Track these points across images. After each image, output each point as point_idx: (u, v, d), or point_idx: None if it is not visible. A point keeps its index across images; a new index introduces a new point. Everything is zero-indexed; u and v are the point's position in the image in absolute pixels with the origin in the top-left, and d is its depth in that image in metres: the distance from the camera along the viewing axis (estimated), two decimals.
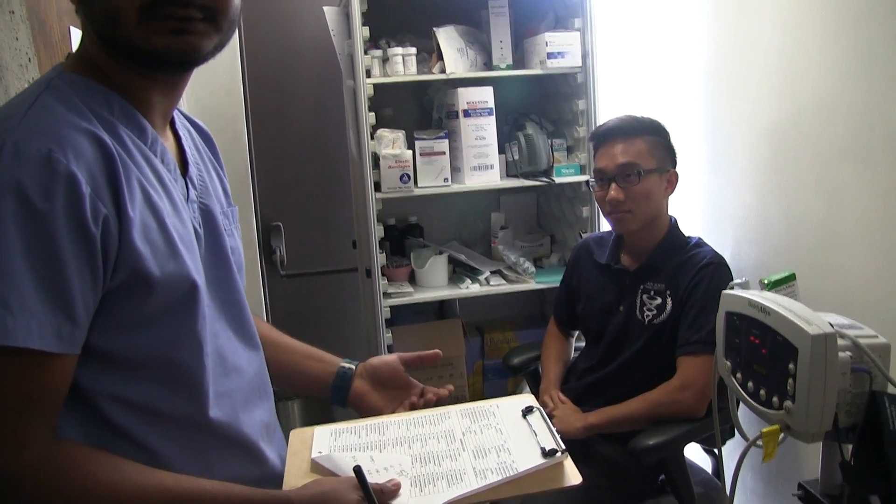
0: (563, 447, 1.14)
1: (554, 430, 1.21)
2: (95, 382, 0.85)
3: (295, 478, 1.06)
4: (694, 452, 2.10)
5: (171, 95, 0.98)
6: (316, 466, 1.09)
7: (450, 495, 1.06)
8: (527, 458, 1.14)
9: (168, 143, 1.00)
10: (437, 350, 1.28)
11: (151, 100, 0.95)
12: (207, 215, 1.02)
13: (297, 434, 1.18)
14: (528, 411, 1.28)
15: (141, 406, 0.88)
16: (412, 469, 1.12)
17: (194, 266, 0.92)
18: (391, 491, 0.99)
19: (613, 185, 1.91)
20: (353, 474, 1.00)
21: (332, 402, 1.26)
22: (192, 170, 1.03)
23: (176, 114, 1.05)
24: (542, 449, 1.16)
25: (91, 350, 0.83)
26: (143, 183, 0.88)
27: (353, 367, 1.26)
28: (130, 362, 0.87)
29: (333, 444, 1.17)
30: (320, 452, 1.12)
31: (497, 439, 1.21)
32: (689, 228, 2.10)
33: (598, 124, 2.41)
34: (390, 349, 2.51)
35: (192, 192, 1.00)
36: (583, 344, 2.20)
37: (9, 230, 0.75)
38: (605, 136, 1.98)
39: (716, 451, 1.70)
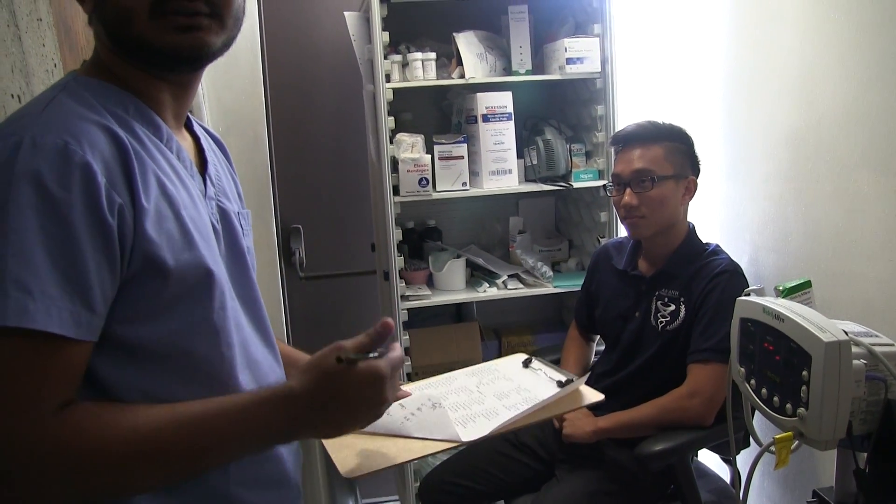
0: (573, 376, 1.27)
1: (559, 368, 1.34)
2: (117, 374, 0.87)
3: (336, 449, 1.12)
4: (712, 461, 2.09)
5: (183, 96, 1.01)
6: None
7: (494, 424, 1.16)
8: (545, 391, 1.25)
9: (185, 142, 1.03)
10: (407, 393, 1.24)
11: (163, 100, 0.98)
12: (224, 213, 1.04)
13: None
14: (527, 362, 1.42)
15: (162, 398, 0.89)
16: (447, 405, 1.22)
17: (210, 256, 0.94)
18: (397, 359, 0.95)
19: (628, 191, 1.93)
20: (393, 430, 1.06)
21: None
22: (211, 168, 1.05)
23: (194, 120, 1.09)
24: (558, 381, 1.29)
25: (111, 340, 0.85)
26: (159, 174, 0.90)
27: None
28: (149, 353, 0.88)
29: None
30: None
31: (510, 385, 1.34)
32: (707, 234, 2.09)
33: (616, 130, 2.42)
34: (407, 351, 2.53)
35: (210, 189, 1.03)
36: (603, 348, 2.20)
37: (28, 218, 0.77)
38: (624, 141, 1.99)
39: (731, 459, 1.70)
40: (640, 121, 2.01)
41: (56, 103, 0.86)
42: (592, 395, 1.27)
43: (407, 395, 1.21)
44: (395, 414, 1.14)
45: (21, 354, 0.77)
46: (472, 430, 1.15)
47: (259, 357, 1.04)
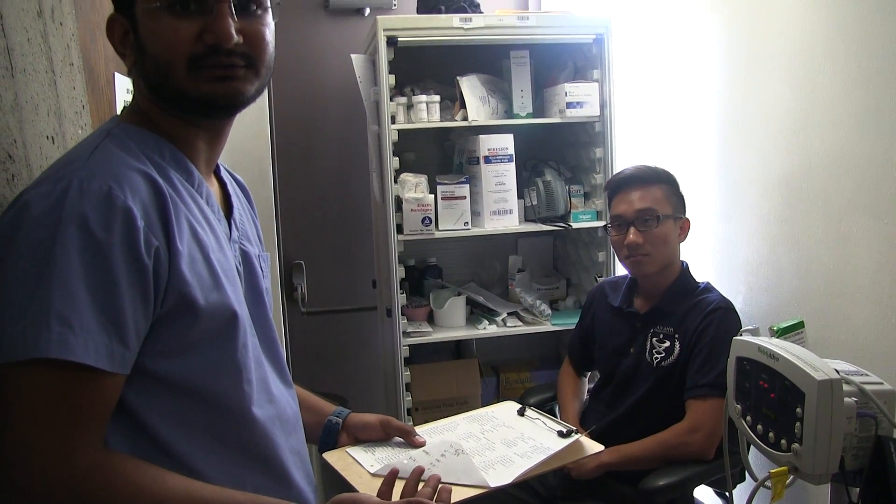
0: (572, 427, 1.37)
1: (552, 417, 1.43)
2: (143, 400, 0.91)
3: (365, 486, 1.16)
4: (705, 495, 2.12)
5: (215, 143, 1.07)
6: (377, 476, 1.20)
7: (516, 472, 1.21)
8: (549, 441, 1.32)
9: (213, 187, 1.09)
10: (422, 440, 1.33)
11: (197, 146, 1.04)
12: (246, 256, 1.10)
13: (332, 455, 1.28)
14: (521, 411, 1.47)
15: (185, 424, 0.94)
16: (467, 449, 1.26)
17: (236, 298, 0.99)
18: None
19: (632, 229, 1.98)
20: (417, 467, 1.12)
21: (320, 451, 1.34)
22: (236, 213, 1.11)
23: (222, 166, 1.15)
24: (559, 432, 1.36)
25: (140, 371, 0.90)
26: (191, 220, 0.96)
27: (341, 420, 1.33)
28: (175, 384, 0.93)
29: (376, 458, 1.27)
30: (372, 466, 1.23)
31: (513, 433, 1.38)
32: (702, 274, 2.15)
33: (614, 172, 2.48)
34: (408, 387, 2.56)
35: (235, 233, 1.08)
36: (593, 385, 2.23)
37: (72, 257, 0.83)
38: (623, 184, 2.05)
39: (727, 493, 1.73)
40: (634, 165, 2.08)
41: (102, 149, 0.92)
42: (593, 447, 1.34)
43: (423, 442, 1.27)
44: (420, 460, 1.18)
45: (59, 384, 0.82)
46: (495, 477, 1.18)
47: (276, 393, 1.09)
